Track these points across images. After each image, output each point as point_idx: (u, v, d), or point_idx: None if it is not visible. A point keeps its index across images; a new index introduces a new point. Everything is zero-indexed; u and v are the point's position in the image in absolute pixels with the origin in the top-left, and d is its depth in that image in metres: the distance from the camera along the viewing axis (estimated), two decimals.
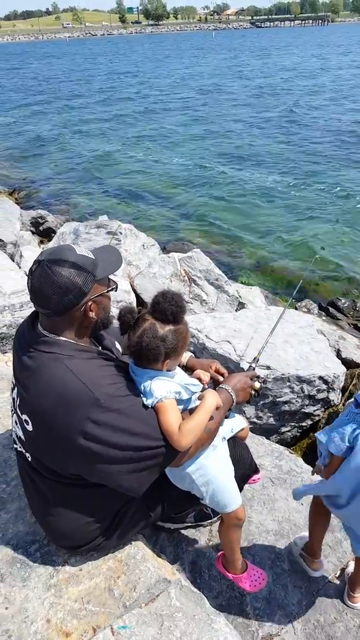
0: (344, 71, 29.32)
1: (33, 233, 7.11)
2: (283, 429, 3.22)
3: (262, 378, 1.75)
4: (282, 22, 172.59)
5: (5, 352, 3.08)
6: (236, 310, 4.21)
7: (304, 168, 10.76)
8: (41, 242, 6.86)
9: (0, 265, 4.22)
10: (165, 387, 1.38)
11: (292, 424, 3.23)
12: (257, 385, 1.70)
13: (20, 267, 4.68)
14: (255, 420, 3.10)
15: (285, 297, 5.24)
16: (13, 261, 4.72)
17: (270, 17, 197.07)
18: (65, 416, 1.29)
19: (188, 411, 1.46)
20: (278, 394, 3.04)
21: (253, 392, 1.68)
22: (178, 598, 1.51)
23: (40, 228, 7.32)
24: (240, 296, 4.47)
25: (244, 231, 7.58)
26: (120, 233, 4.72)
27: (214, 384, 1.69)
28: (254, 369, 1.78)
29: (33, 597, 1.48)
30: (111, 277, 1.51)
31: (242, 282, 5.43)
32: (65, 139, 14.76)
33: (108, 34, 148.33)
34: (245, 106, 18.94)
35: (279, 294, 5.40)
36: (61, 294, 1.32)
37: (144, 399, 1.36)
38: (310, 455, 3.19)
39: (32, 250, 5.72)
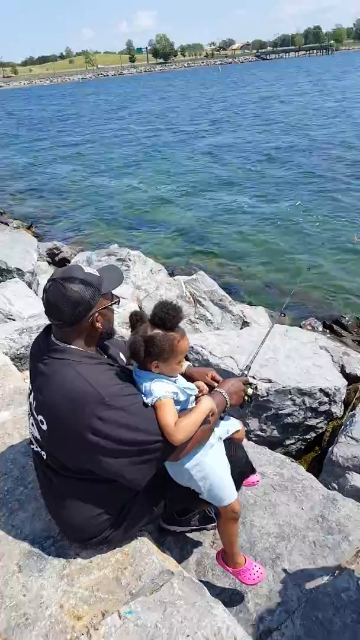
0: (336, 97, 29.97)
1: (49, 263, 7.44)
2: (287, 442, 3.32)
3: (254, 384, 1.91)
4: (287, 54, 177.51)
5: (23, 370, 3.28)
6: (240, 329, 4.37)
7: (304, 193, 11.08)
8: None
9: (19, 292, 4.51)
10: (163, 388, 1.55)
11: (296, 436, 3.33)
12: (249, 391, 1.85)
13: (37, 295, 4.96)
14: (259, 432, 3.21)
15: (289, 314, 5.40)
16: (30, 289, 5.01)
17: (275, 49, 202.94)
18: (75, 414, 1.46)
19: (186, 411, 1.62)
20: (280, 407, 3.16)
21: (246, 397, 1.84)
22: (180, 588, 1.64)
23: (56, 258, 7.65)
24: (244, 316, 4.64)
25: (248, 254, 7.84)
26: (130, 259, 4.97)
27: (210, 389, 1.85)
28: (245, 375, 1.93)
29: (48, 586, 1.63)
30: (114, 292, 1.71)
31: (246, 303, 5.61)
32: (74, 176, 15.39)
33: (119, 74, 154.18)
34: (243, 135, 19.60)
35: (279, 315, 5.54)
36: (72, 306, 1.52)
37: (145, 398, 1.53)
38: (316, 467, 3.28)
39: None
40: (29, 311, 4.30)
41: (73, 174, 15.76)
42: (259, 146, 17.01)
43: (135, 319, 1.59)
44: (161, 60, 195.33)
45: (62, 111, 40.41)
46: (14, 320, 4.19)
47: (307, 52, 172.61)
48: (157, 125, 25.26)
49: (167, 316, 1.53)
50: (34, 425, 1.65)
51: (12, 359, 3.38)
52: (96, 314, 1.59)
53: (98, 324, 1.61)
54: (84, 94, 64.95)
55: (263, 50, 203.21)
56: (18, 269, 5.42)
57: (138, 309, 1.68)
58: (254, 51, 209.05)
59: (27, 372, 3.27)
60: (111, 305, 1.67)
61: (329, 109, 24.69)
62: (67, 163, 17.68)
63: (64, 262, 7.54)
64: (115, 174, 15.14)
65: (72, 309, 1.52)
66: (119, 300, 1.71)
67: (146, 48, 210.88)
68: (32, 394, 1.65)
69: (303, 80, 47.64)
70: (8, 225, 9.24)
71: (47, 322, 1.67)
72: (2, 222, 9.39)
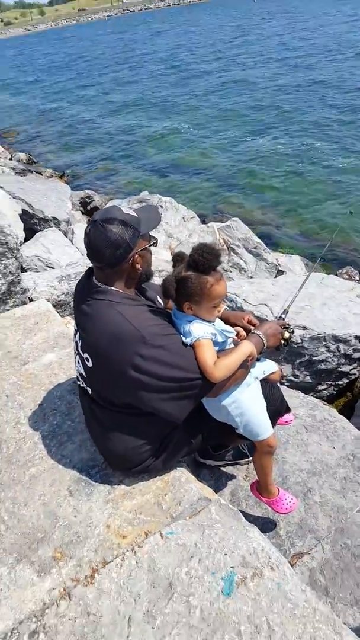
0: None
1: (82, 213, 7.46)
2: (319, 387, 3.36)
3: (292, 328, 1.92)
4: None
5: (64, 316, 3.40)
6: (275, 278, 4.33)
7: (341, 133, 10.46)
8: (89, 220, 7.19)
9: (56, 241, 4.58)
10: (202, 329, 1.60)
11: (329, 382, 3.37)
12: (286, 334, 1.88)
13: (72, 243, 5.02)
14: (291, 378, 3.26)
15: (326, 264, 5.29)
16: (66, 237, 5.07)
17: None
18: (118, 352, 1.54)
19: (225, 351, 1.67)
20: (314, 353, 3.19)
21: (283, 340, 1.86)
22: (217, 513, 1.76)
23: (88, 207, 7.66)
24: (279, 264, 4.58)
25: (283, 200, 7.60)
26: (161, 206, 4.92)
27: (247, 332, 1.88)
28: (283, 319, 1.95)
29: (95, 508, 1.77)
30: (151, 233, 1.73)
31: (282, 252, 5.52)
32: (104, 121, 15.07)
33: (146, 9, 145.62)
34: (273, 73, 18.41)
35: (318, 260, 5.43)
36: (113, 248, 1.54)
37: (183, 338, 1.59)
38: (345, 413, 3.32)
39: (82, 228, 6.06)
40: (67, 259, 4.38)
41: (101, 120, 15.41)
42: (292, 82, 16.01)
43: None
44: None
45: (85, 53, 38.97)
46: (53, 268, 4.29)
47: None
48: (187, 66, 23.99)
49: (200, 259, 1.53)
50: (80, 363, 1.74)
51: (54, 305, 3.50)
52: (136, 256, 1.62)
53: (138, 265, 1.64)
54: (106, 32, 62.13)
55: None
56: (54, 218, 5.47)
57: (168, 273, 1.69)
58: None
59: (69, 318, 3.42)
60: (150, 246, 1.69)
61: None
62: (94, 108, 17.28)
63: (95, 210, 7.55)
64: (144, 119, 14.69)
65: (113, 251, 1.55)
66: (156, 241, 1.73)
67: None
68: (77, 333, 1.73)
69: None
70: (42, 175, 9.22)
71: (85, 269, 1.72)
72: (36, 172, 9.37)
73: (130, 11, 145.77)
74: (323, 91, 14.35)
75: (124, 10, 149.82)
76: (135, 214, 1.63)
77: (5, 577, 1.55)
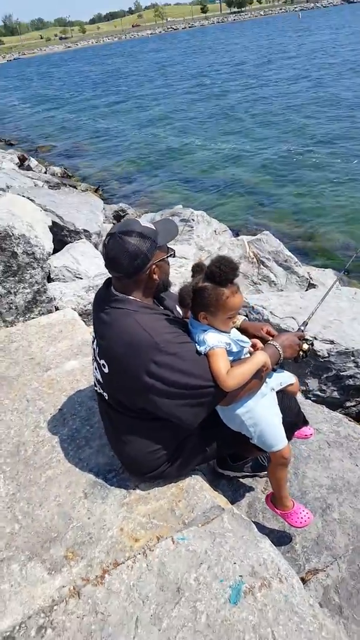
0: None
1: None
2: (348, 404, 3.28)
3: (311, 340, 1.91)
4: None
5: (89, 325, 3.49)
6: (305, 291, 4.29)
7: None
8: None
9: (86, 253, 4.72)
10: (216, 338, 1.63)
11: (358, 399, 3.29)
12: (305, 346, 1.87)
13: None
14: (318, 392, 3.21)
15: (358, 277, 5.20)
16: (97, 249, 5.21)
17: None
18: (133, 358, 1.59)
19: (240, 361, 1.68)
20: (342, 368, 3.13)
21: (301, 352, 1.86)
22: (230, 522, 1.76)
23: (121, 220, 7.83)
24: (311, 278, 4.53)
25: (318, 213, 7.52)
26: (193, 220, 4.98)
27: (264, 343, 1.88)
28: (302, 331, 1.95)
29: (109, 511, 1.81)
30: (170, 245, 1.77)
31: (314, 264, 5.45)
32: (138, 136, 15.38)
33: (189, 27, 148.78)
34: (309, 87, 18.40)
35: (353, 275, 5.35)
36: (131, 259, 1.61)
37: (198, 346, 1.62)
38: None
39: None
40: (95, 270, 4.50)
41: (135, 135, 15.74)
42: (322, 98, 15.99)
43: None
44: (235, 9, 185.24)
45: (122, 71, 40.25)
46: (81, 278, 4.42)
47: None
48: (219, 82, 24.29)
49: (217, 270, 1.56)
50: (97, 369, 1.80)
51: (80, 314, 3.60)
52: (153, 266, 1.67)
53: (155, 276, 1.70)
54: (145, 51, 63.90)
55: None
56: (85, 230, 5.61)
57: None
58: None
59: None
60: (167, 257, 1.74)
61: None
62: (128, 124, 17.66)
63: None
64: (177, 134, 14.93)
65: (131, 261, 1.61)
66: (174, 253, 1.78)
67: None
68: (95, 340, 1.80)
69: None
70: (76, 188, 9.52)
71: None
72: (70, 185, 9.69)
73: (174, 29, 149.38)
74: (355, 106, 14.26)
75: (167, 29, 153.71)
76: (152, 227, 1.68)
77: (17, 573, 1.61)
